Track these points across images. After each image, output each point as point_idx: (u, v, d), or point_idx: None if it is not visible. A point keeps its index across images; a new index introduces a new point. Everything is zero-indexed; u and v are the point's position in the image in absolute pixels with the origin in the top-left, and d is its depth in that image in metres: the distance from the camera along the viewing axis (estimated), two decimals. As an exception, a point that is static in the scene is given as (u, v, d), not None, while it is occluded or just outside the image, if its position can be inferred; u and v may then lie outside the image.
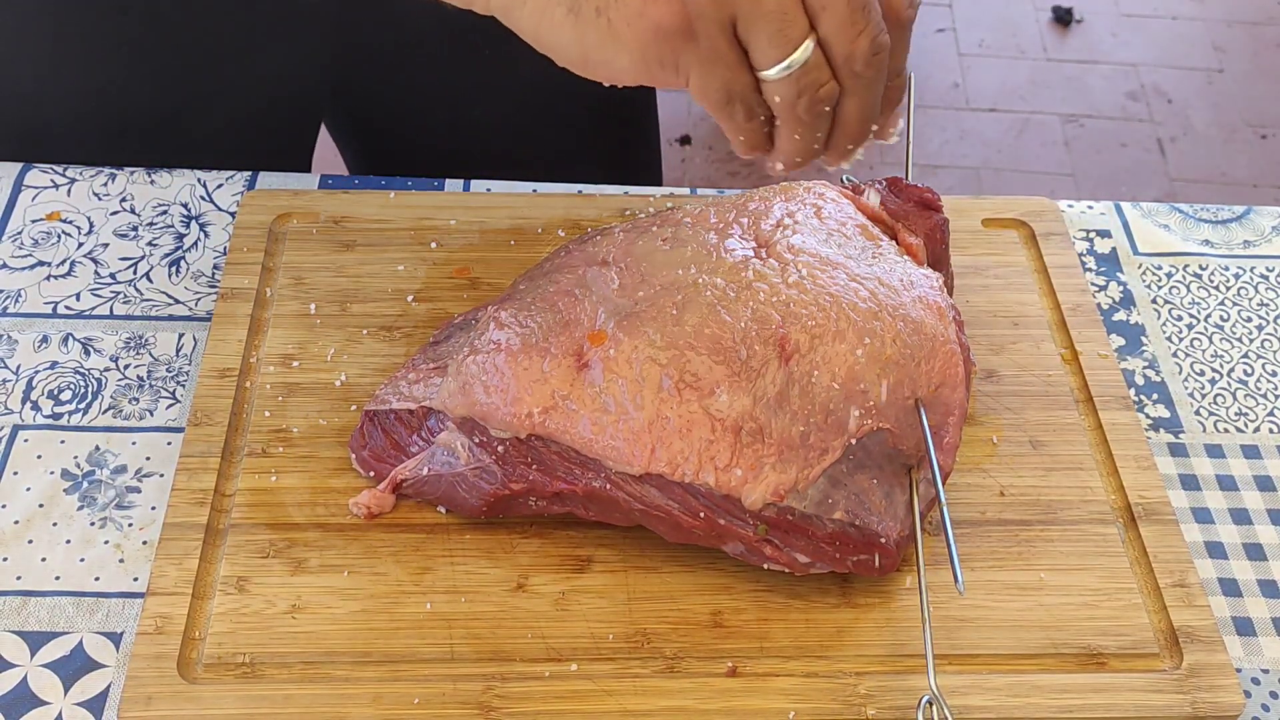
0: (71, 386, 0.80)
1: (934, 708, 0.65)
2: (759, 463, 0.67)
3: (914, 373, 0.70)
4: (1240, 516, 0.79)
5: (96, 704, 0.67)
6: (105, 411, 0.79)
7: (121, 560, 0.73)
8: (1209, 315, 0.90)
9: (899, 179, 0.81)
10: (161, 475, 0.76)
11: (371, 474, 0.74)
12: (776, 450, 0.67)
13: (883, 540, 0.69)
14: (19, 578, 0.71)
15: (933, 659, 0.66)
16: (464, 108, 0.95)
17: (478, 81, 1.00)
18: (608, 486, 0.68)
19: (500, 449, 0.70)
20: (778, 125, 0.57)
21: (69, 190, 0.92)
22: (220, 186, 0.93)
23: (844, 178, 0.84)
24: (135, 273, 0.87)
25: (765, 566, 0.69)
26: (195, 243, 0.89)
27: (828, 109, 0.56)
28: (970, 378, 0.73)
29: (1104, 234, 0.95)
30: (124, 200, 0.91)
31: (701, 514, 0.68)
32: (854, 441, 0.68)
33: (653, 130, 1.15)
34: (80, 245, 0.88)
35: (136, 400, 0.80)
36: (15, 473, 0.76)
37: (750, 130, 0.58)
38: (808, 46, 0.54)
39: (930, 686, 0.65)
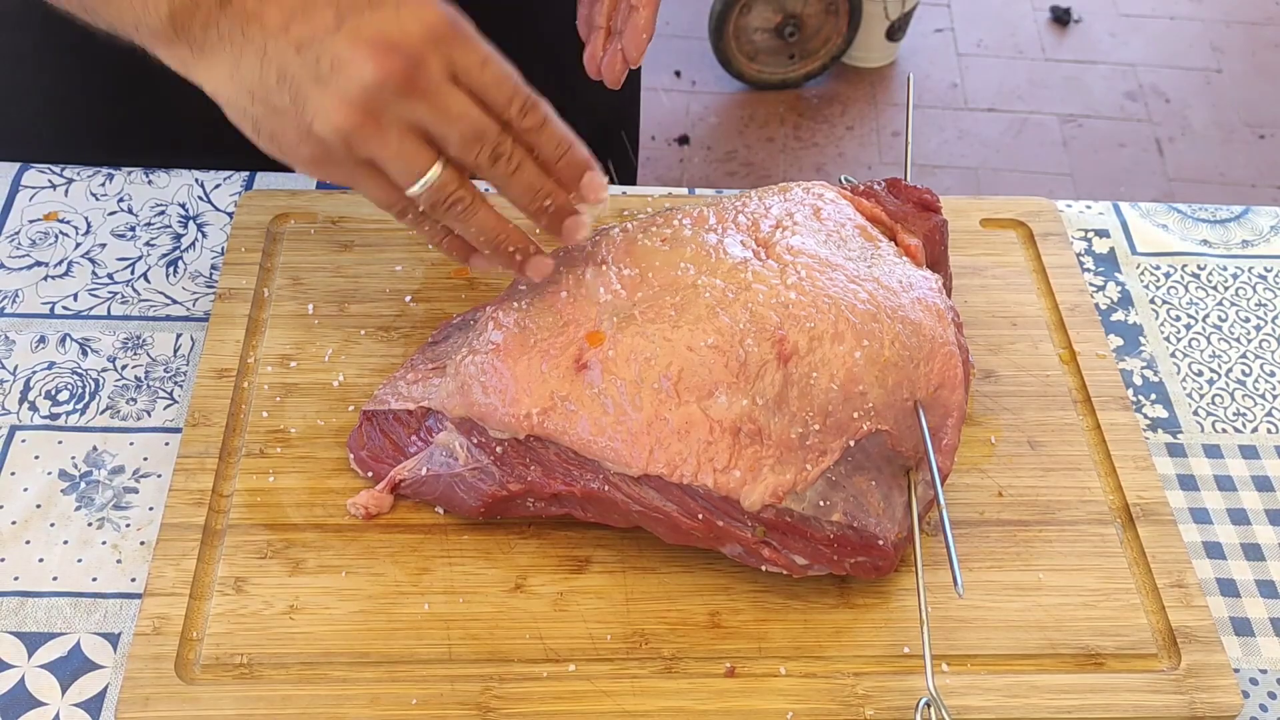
0: (69, 387, 0.80)
1: (932, 709, 0.65)
2: (757, 464, 0.67)
3: (913, 374, 0.70)
4: (1238, 517, 0.79)
5: (94, 705, 0.67)
6: (103, 412, 0.79)
7: (119, 561, 0.73)
8: (1207, 315, 0.90)
9: (898, 180, 0.81)
10: (159, 476, 0.76)
11: (370, 474, 0.74)
12: (775, 452, 0.67)
13: (880, 542, 0.69)
14: (16, 578, 0.71)
15: (931, 660, 0.66)
16: None
17: None
18: (606, 488, 0.68)
19: (499, 450, 0.70)
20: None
21: (66, 190, 0.92)
22: (218, 187, 0.93)
23: (842, 178, 0.84)
24: (133, 273, 0.87)
25: (763, 568, 0.69)
26: (193, 243, 0.89)
27: (464, 209, 0.64)
28: (969, 379, 0.73)
29: (1102, 234, 0.95)
30: (121, 200, 0.91)
31: (700, 515, 0.68)
32: (853, 443, 0.68)
33: (631, 133, 1.14)
34: (78, 245, 0.88)
35: (134, 401, 0.80)
36: (13, 473, 0.76)
37: (423, 233, 0.67)
38: (436, 169, 0.63)
39: (928, 688, 0.65)
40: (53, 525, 0.74)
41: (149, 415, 0.79)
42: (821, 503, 0.68)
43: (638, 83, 1.13)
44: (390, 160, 0.62)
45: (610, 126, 1.11)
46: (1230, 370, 0.87)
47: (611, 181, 0.76)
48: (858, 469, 0.69)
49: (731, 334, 0.68)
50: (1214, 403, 0.85)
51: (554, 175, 0.67)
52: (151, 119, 0.99)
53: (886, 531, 0.69)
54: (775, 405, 0.67)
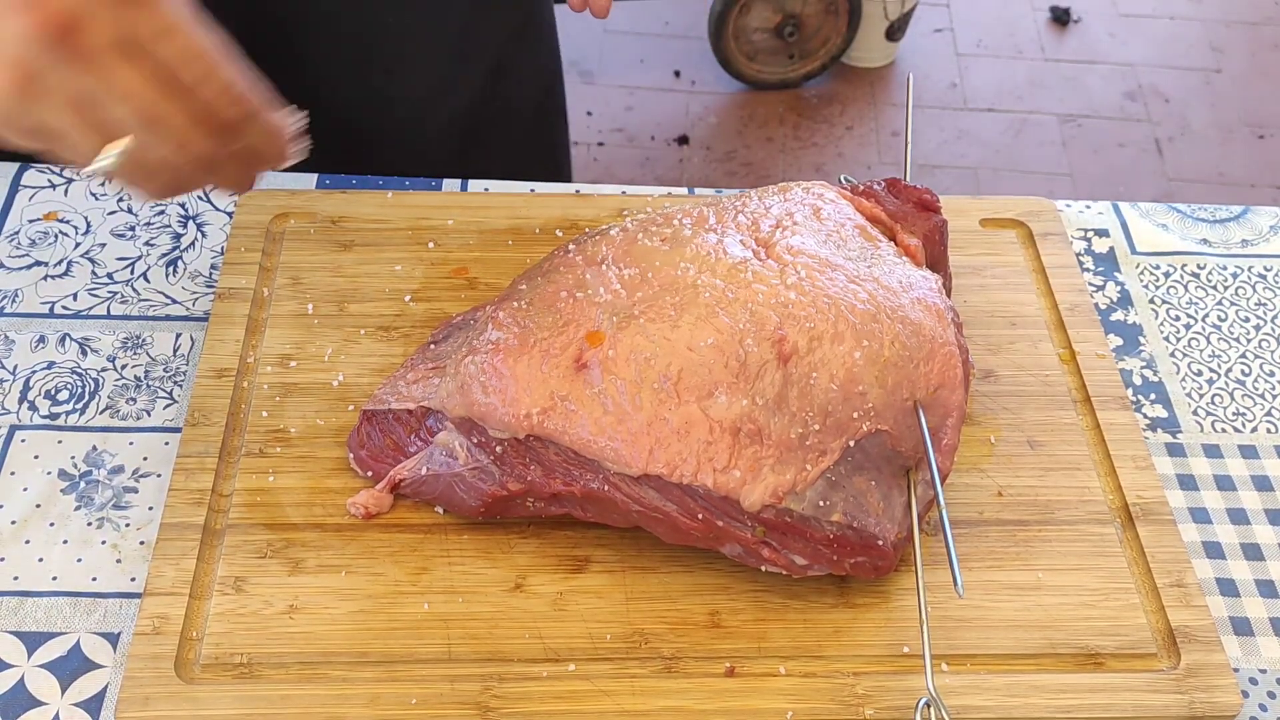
0: (69, 386, 0.80)
1: (932, 709, 0.65)
2: (757, 464, 0.67)
3: (912, 374, 0.70)
4: (1238, 516, 0.79)
5: (94, 704, 0.67)
6: (102, 411, 0.79)
7: (119, 560, 0.72)
8: (1207, 315, 0.90)
9: (898, 180, 0.81)
10: (159, 475, 0.76)
11: (369, 474, 0.74)
12: (775, 452, 0.67)
13: (880, 542, 0.69)
14: (16, 578, 0.71)
15: (930, 660, 0.66)
16: (357, 110, 0.95)
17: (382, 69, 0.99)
18: (605, 488, 0.68)
19: (498, 449, 0.70)
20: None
21: (66, 190, 0.92)
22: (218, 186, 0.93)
23: (842, 178, 0.84)
24: (132, 273, 0.87)
25: (763, 569, 0.69)
26: (193, 242, 0.89)
27: (166, 181, 0.59)
28: (969, 379, 0.73)
29: (1102, 233, 0.95)
30: (121, 200, 0.91)
31: (700, 515, 0.68)
32: (852, 443, 0.68)
33: (560, 130, 1.14)
34: (77, 245, 0.88)
35: (134, 400, 0.80)
36: (12, 473, 0.76)
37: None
38: (112, 154, 0.56)
39: (928, 688, 0.65)
40: (52, 525, 0.74)
41: (149, 415, 0.79)
42: (821, 503, 0.68)
43: (559, 77, 1.13)
44: (58, 141, 0.56)
45: (538, 122, 1.11)
46: (1230, 370, 0.87)
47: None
48: (857, 469, 0.69)
49: (731, 334, 0.68)
50: (1213, 402, 0.85)
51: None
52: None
53: (886, 532, 0.69)
54: (775, 405, 0.67)
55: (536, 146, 1.11)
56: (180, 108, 0.55)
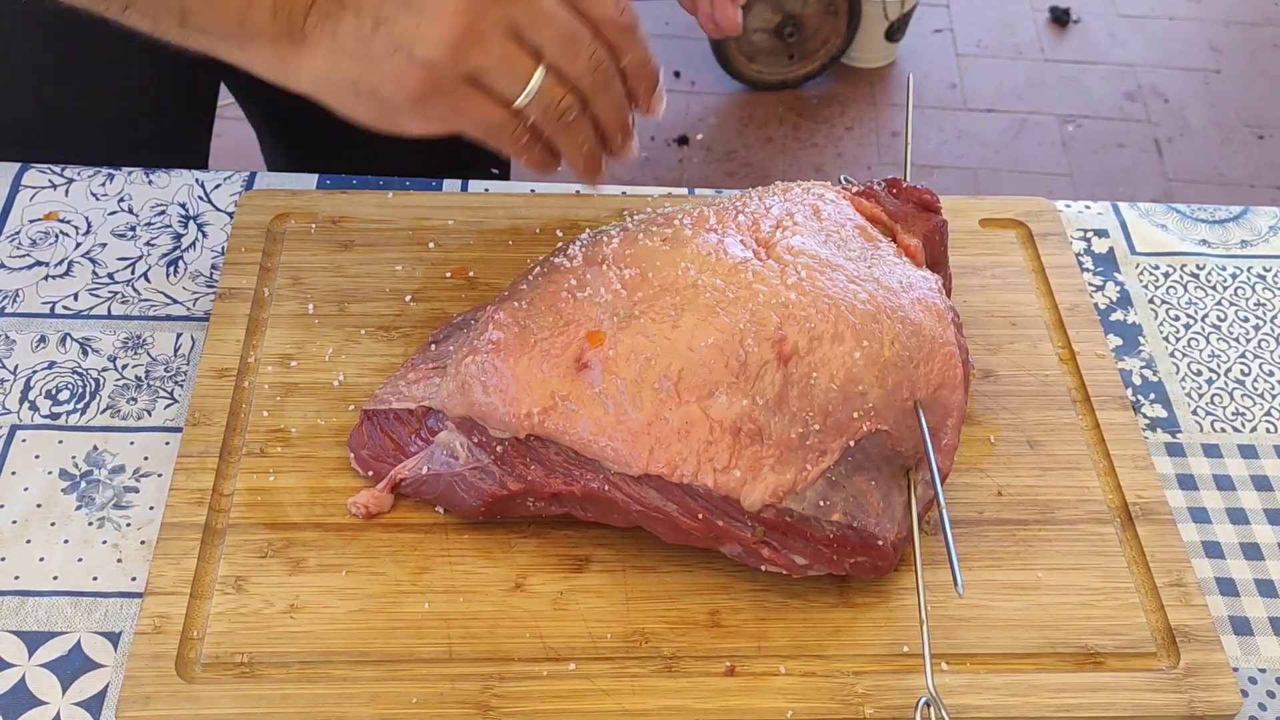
0: (69, 386, 0.80)
1: (932, 709, 0.65)
2: (758, 464, 0.67)
3: (913, 375, 0.70)
4: (1237, 516, 0.79)
5: (94, 704, 0.67)
6: (103, 411, 0.79)
7: (119, 560, 0.73)
8: (1206, 315, 0.90)
9: (898, 180, 0.81)
10: (160, 475, 0.76)
11: (370, 473, 0.74)
12: (775, 451, 0.67)
13: (880, 542, 0.69)
14: (17, 577, 0.71)
15: (930, 660, 0.66)
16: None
17: None
18: (606, 487, 0.68)
19: (499, 449, 0.70)
20: (550, 140, 0.67)
21: (67, 190, 0.92)
22: (218, 186, 0.93)
23: (842, 178, 0.84)
24: (133, 273, 0.87)
25: (763, 568, 0.69)
26: (193, 243, 0.89)
27: (574, 116, 0.65)
28: (969, 379, 0.74)
29: (1101, 234, 0.95)
30: (122, 200, 0.91)
31: (700, 515, 0.68)
32: (853, 443, 0.68)
33: None
34: (78, 245, 0.88)
35: (134, 400, 0.80)
36: (13, 473, 0.76)
37: (524, 151, 0.66)
38: (539, 75, 0.63)
39: (928, 688, 0.65)
40: (53, 524, 0.74)
41: (149, 415, 0.79)
42: (821, 503, 0.68)
43: None
44: (495, 68, 0.62)
45: None
46: (1229, 370, 0.87)
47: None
48: (857, 469, 0.69)
49: (732, 334, 0.68)
50: (1213, 402, 0.85)
51: (628, 86, 0.66)
52: (150, 119, 0.99)
53: (886, 531, 0.69)
54: (775, 405, 0.67)
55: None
56: (585, 23, 0.63)
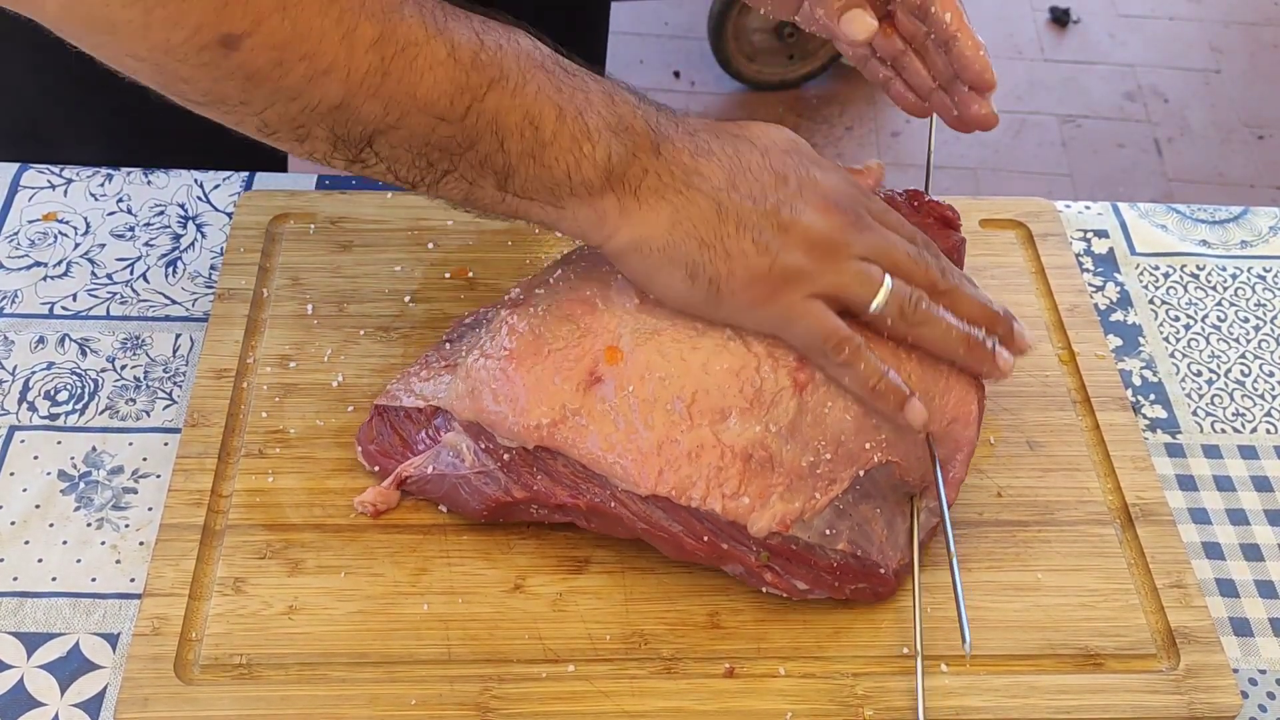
0: (68, 387, 0.80)
1: None
2: (767, 491, 0.67)
3: (928, 407, 0.69)
4: (1237, 517, 0.79)
5: (93, 705, 0.67)
6: (102, 412, 0.79)
7: (118, 561, 0.72)
8: (1206, 315, 0.90)
9: (920, 192, 0.80)
10: (158, 476, 0.76)
11: (376, 468, 0.74)
12: (785, 479, 0.67)
13: (882, 570, 0.69)
14: (15, 578, 0.71)
15: (923, 696, 0.66)
16: None
17: None
18: (612, 504, 0.68)
19: (506, 456, 0.69)
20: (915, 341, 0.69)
21: (65, 191, 0.92)
22: (217, 187, 0.93)
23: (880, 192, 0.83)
24: (132, 273, 0.87)
25: (763, 590, 0.69)
26: (192, 243, 0.89)
27: (928, 304, 0.68)
28: (982, 416, 0.73)
29: (1101, 234, 0.95)
30: (121, 201, 0.91)
31: (705, 537, 0.68)
32: (862, 473, 0.68)
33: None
34: (77, 246, 0.88)
35: (133, 401, 0.80)
36: (12, 474, 0.76)
37: (869, 373, 0.67)
38: (890, 282, 0.67)
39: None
40: (52, 525, 0.74)
41: (148, 415, 0.79)
42: (828, 531, 0.68)
43: (603, 49, 1.13)
44: (849, 283, 0.66)
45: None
46: (1229, 370, 0.87)
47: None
48: (864, 497, 0.69)
49: (749, 359, 0.67)
50: (1213, 403, 0.85)
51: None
52: (152, 119, 0.99)
53: (888, 560, 0.69)
54: (788, 433, 0.67)
55: None
56: (913, 250, 0.68)
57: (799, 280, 0.65)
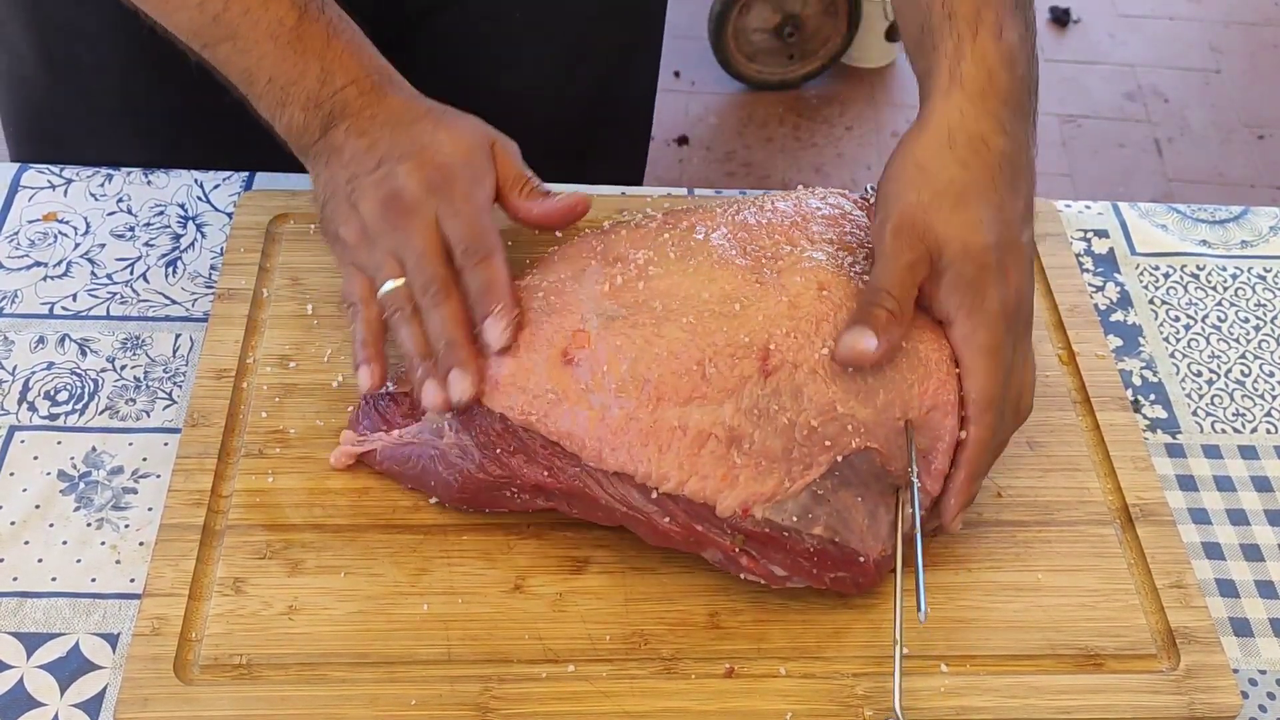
0: (68, 387, 0.80)
1: None
2: (733, 472, 0.67)
3: (905, 394, 0.69)
4: (1238, 517, 0.79)
5: (93, 705, 0.67)
6: (102, 412, 0.79)
7: (118, 561, 0.72)
8: (1206, 315, 0.90)
9: None
10: (158, 476, 0.76)
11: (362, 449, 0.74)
12: (755, 461, 0.67)
13: (861, 559, 0.69)
14: (15, 579, 0.71)
15: (900, 681, 0.66)
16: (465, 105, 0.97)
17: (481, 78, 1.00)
18: (589, 484, 0.68)
19: (482, 435, 0.70)
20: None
21: (65, 191, 0.92)
22: (217, 187, 0.93)
23: (869, 187, 0.83)
24: (132, 273, 0.87)
25: (742, 577, 0.69)
26: (192, 243, 0.89)
27: (406, 315, 0.73)
28: (960, 405, 0.72)
29: (1101, 234, 0.95)
30: (121, 201, 0.91)
31: (680, 519, 0.68)
32: (840, 459, 0.68)
33: (645, 131, 1.16)
34: (77, 246, 0.88)
35: (133, 401, 0.80)
36: (12, 474, 0.76)
37: (355, 336, 0.76)
38: (396, 283, 0.73)
39: (895, 710, 0.65)
40: (52, 526, 0.74)
41: (148, 416, 0.79)
42: (804, 515, 0.68)
43: (654, 86, 1.14)
44: (372, 268, 0.75)
45: (622, 125, 1.12)
46: (1229, 371, 0.87)
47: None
48: (844, 485, 0.69)
49: (717, 343, 0.68)
50: (1213, 403, 0.85)
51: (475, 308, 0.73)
52: (152, 119, 0.99)
53: (869, 549, 0.69)
54: (757, 415, 0.67)
55: (624, 159, 1.14)
56: (446, 263, 0.73)
57: (344, 250, 0.76)
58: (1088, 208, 0.97)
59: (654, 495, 0.68)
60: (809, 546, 0.68)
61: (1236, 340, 0.89)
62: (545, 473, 0.69)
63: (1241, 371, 0.87)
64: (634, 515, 0.69)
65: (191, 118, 0.98)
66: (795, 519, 0.68)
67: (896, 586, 0.69)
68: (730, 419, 0.67)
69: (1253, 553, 0.77)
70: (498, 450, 0.70)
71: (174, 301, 0.85)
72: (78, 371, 0.81)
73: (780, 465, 0.67)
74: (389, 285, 0.73)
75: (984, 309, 0.70)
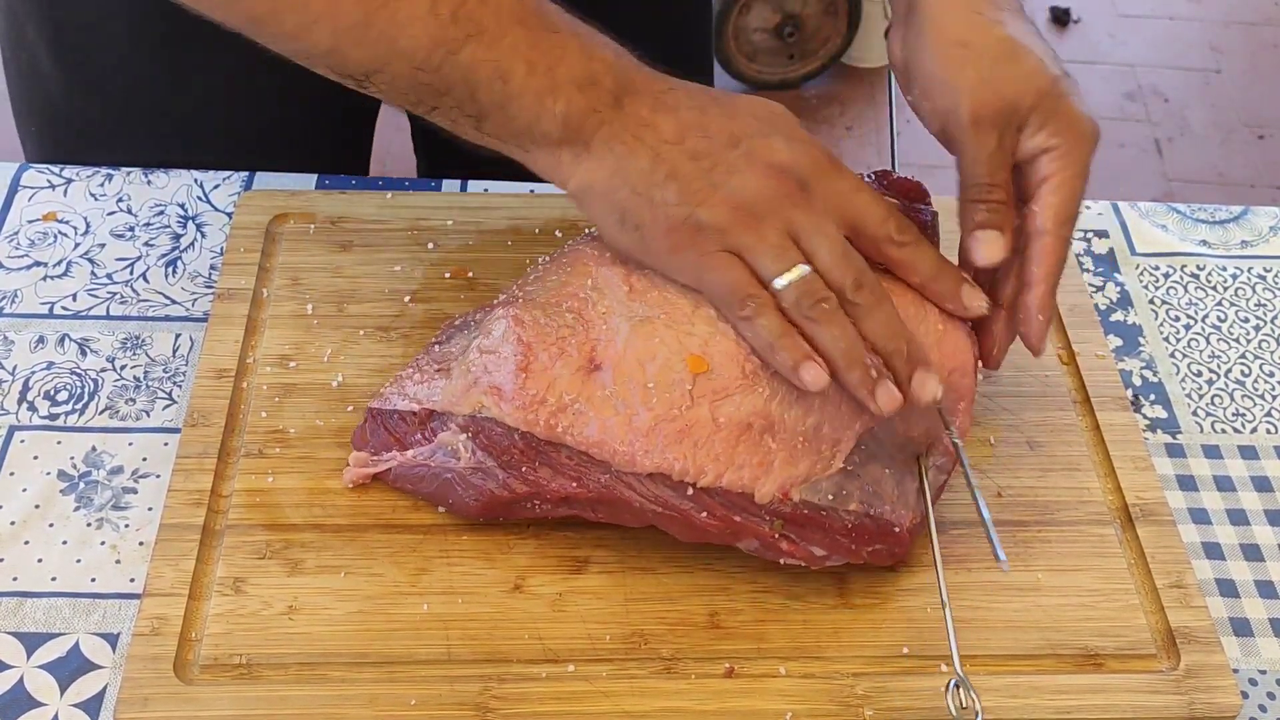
0: (68, 387, 0.80)
1: (961, 691, 0.65)
2: (768, 458, 0.67)
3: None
4: (1238, 517, 0.79)
5: (93, 705, 0.67)
6: (102, 412, 0.79)
7: (118, 561, 0.72)
8: (1206, 315, 0.90)
9: (888, 171, 0.81)
10: (158, 476, 0.76)
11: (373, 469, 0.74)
12: (788, 444, 0.67)
13: (896, 529, 0.69)
14: (15, 579, 0.71)
15: (955, 639, 0.66)
16: None
17: None
18: (620, 488, 0.68)
19: (504, 456, 0.69)
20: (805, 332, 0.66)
21: (65, 190, 0.92)
22: (217, 187, 0.93)
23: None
24: (132, 273, 0.87)
25: (781, 562, 0.69)
26: (192, 243, 0.89)
27: (830, 309, 0.65)
28: (978, 364, 0.73)
29: (1101, 234, 0.95)
30: (121, 200, 0.91)
31: (718, 512, 0.68)
32: (866, 431, 0.68)
33: None
34: (77, 245, 0.88)
35: (133, 401, 0.80)
36: (12, 473, 0.76)
37: (769, 332, 0.65)
38: (805, 269, 0.65)
39: (955, 670, 0.65)
40: (51, 525, 0.74)
41: (148, 415, 0.79)
42: (839, 493, 0.68)
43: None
44: (763, 250, 0.65)
45: None
46: (1229, 370, 0.87)
47: None
48: (871, 458, 0.69)
49: (743, 343, 0.67)
50: (1213, 403, 0.85)
51: (926, 293, 0.69)
52: (152, 118, 0.99)
53: (901, 518, 0.70)
54: (785, 399, 0.67)
55: None
56: (841, 249, 0.66)
57: (712, 234, 0.66)
58: (1088, 208, 0.97)
59: (689, 491, 0.68)
60: (846, 523, 0.68)
61: (1236, 340, 0.89)
62: (574, 483, 0.69)
63: (1241, 371, 0.87)
64: (669, 514, 0.68)
65: (203, 119, 0.98)
66: (831, 497, 0.68)
67: (934, 548, 0.69)
68: (764, 406, 0.67)
69: (1253, 553, 0.77)
70: (522, 468, 0.69)
71: (174, 301, 0.85)
72: (78, 371, 0.81)
73: (812, 445, 0.67)
74: (801, 271, 0.65)
75: (1076, 131, 0.69)
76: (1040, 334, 0.71)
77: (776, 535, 0.68)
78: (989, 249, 0.69)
